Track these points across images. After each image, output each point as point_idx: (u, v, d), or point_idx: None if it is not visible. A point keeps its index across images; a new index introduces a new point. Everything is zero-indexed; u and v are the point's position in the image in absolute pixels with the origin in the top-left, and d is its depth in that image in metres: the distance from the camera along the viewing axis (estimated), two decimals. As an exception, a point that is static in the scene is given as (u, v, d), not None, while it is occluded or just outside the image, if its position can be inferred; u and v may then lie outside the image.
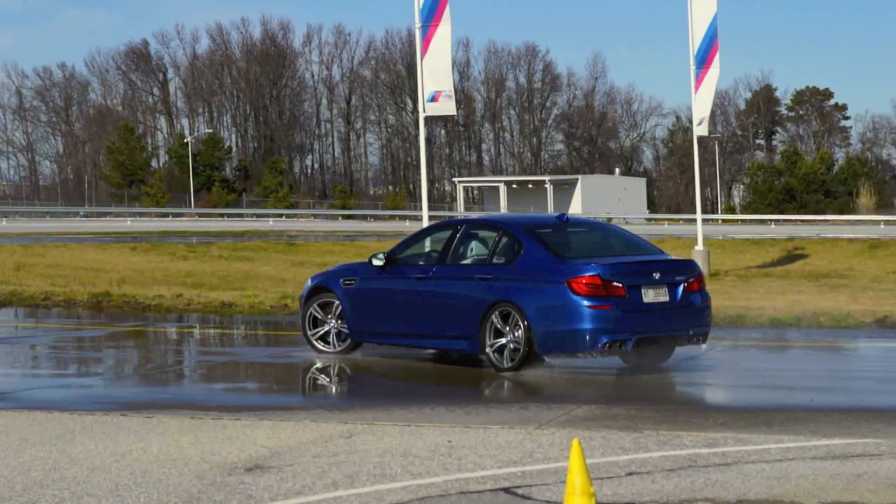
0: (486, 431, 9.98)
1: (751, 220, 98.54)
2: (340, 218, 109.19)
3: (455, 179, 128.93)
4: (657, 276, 13.68)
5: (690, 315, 13.87)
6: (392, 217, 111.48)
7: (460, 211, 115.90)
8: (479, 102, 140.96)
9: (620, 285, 13.34)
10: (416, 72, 24.35)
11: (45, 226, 77.60)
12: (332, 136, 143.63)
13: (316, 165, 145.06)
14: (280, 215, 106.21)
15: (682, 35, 28.78)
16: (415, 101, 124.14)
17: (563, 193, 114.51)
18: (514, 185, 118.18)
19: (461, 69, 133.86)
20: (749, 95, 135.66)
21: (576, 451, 6.27)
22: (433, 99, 23.76)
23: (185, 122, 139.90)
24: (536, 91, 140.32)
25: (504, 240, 14.27)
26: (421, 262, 14.90)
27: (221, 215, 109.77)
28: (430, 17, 23.46)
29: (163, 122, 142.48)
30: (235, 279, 27.08)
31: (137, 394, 13.27)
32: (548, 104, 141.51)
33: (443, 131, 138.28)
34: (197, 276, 28.17)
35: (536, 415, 10.90)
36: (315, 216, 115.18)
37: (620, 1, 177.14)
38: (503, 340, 13.71)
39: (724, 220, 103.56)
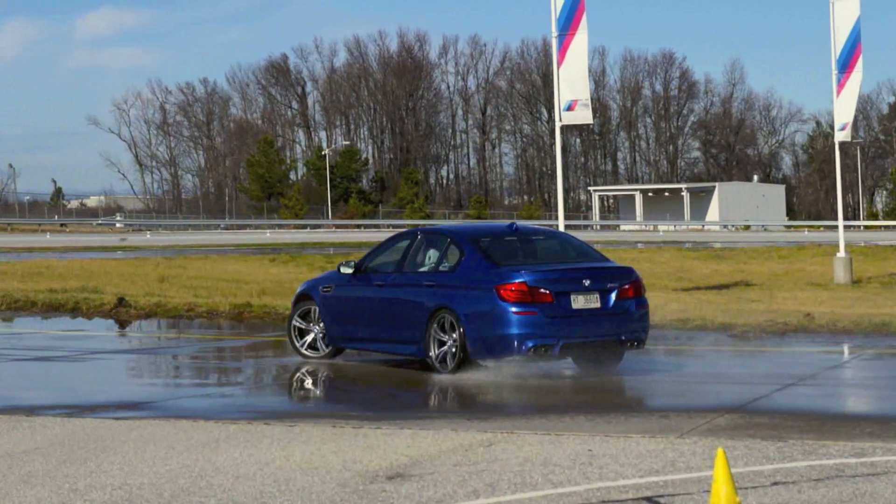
0: (626, 440, 9.89)
1: (894, 227, 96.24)
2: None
3: (590, 188, 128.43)
4: (587, 282, 14.03)
5: (623, 321, 14.18)
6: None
7: (595, 220, 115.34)
8: (614, 111, 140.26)
9: (547, 292, 13.80)
10: (551, 81, 24.26)
11: (187, 238, 79.19)
12: (468, 147, 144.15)
13: (451, 176, 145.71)
14: (417, 226, 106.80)
15: (823, 40, 28.65)
16: (550, 111, 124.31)
17: (700, 201, 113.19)
18: (650, 194, 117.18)
19: (597, 78, 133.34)
20: (892, 100, 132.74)
21: (721, 461, 6.17)
22: (569, 108, 23.69)
23: (322, 134, 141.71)
24: (673, 98, 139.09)
25: (450, 248, 14.86)
26: (382, 270, 15.54)
27: (358, 226, 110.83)
28: (567, 26, 23.40)
29: (301, 134, 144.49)
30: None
31: (279, 403, 13.46)
32: (684, 111, 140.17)
33: (578, 140, 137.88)
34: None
35: (677, 423, 10.78)
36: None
37: (759, 6, 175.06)
38: (445, 345, 14.25)
39: (866, 227, 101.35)
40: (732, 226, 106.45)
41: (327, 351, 16.10)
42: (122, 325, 22.27)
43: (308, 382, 14.78)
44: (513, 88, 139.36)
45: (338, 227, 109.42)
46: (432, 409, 12.42)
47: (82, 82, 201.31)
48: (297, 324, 16.27)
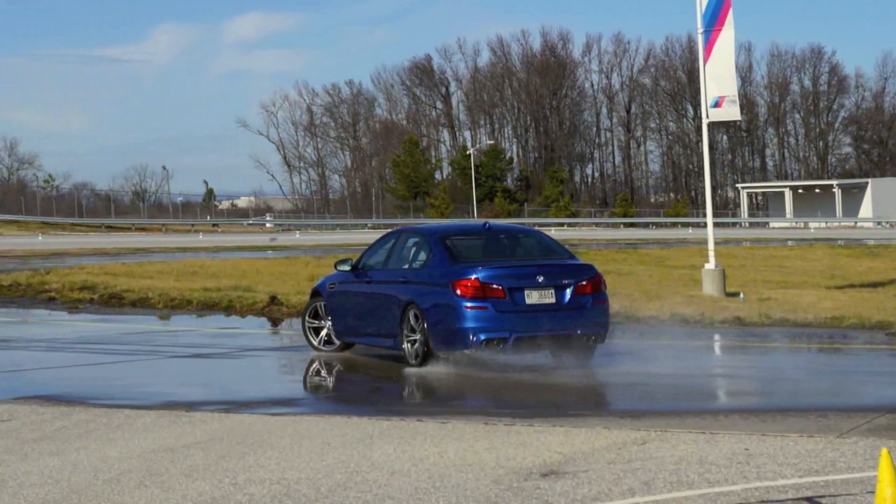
0: (784, 440, 9.72)
1: None
2: (622, 226, 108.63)
3: (738, 185, 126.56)
4: (541, 279, 14.60)
5: (579, 316, 14.71)
6: (674, 224, 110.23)
7: (744, 217, 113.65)
8: (762, 107, 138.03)
9: (500, 287, 14.44)
10: (697, 78, 23.98)
11: (335, 237, 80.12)
12: (613, 145, 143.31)
13: (596, 174, 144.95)
14: (561, 224, 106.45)
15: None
16: (696, 108, 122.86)
17: (853, 198, 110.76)
18: (800, 190, 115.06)
19: (743, 74, 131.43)
20: None
21: (886, 461, 6.04)
22: (716, 104, 23.40)
23: (467, 134, 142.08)
24: (822, 93, 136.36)
25: (422, 246, 15.64)
26: (372, 268, 16.39)
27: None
28: (713, 21, 23.11)
29: (446, 134, 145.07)
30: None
31: (430, 399, 13.53)
32: (835, 106, 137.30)
33: (725, 137, 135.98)
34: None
35: (836, 423, 10.56)
36: (596, 225, 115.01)
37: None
38: (413, 338, 15.00)
39: None
40: (887, 222, 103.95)
41: (337, 344, 16.98)
42: (275, 322, 22.62)
43: (456, 380, 14.82)
44: (657, 86, 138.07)
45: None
46: (584, 407, 12.35)
47: (231, 85, 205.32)
48: (310, 322, 17.24)
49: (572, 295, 14.73)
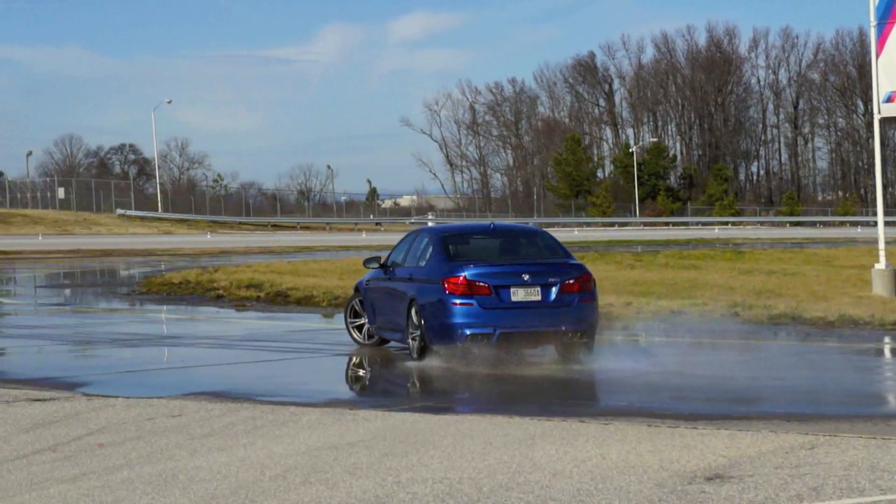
0: (959, 447, 9.40)
1: None
2: (788, 225, 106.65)
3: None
4: (526, 277, 15.27)
5: (564, 313, 15.29)
6: (842, 223, 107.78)
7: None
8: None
9: (485, 285, 15.17)
10: (868, 72, 23.36)
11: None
12: (779, 142, 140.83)
13: (762, 172, 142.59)
14: (725, 223, 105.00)
15: None
16: (867, 103, 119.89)
17: None
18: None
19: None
20: None
21: None
22: (889, 99, 22.82)
23: (629, 131, 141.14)
24: None
25: (427, 246, 16.40)
26: (394, 265, 17.17)
27: (666, 224, 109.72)
28: (887, 13, 22.53)
29: (608, 132, 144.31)
30: (683, 287, 26.94)
31: (592, 400, 13.44)
32: None
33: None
34: (644, 284, 28.25)
35: None
36: (761, 223, 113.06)
37: None
38: (415, 334, 15.78)
39: None
40: None
41: (376, 339, 17.80)
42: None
43: (619, 380, 14.69)
44: (826, 81, 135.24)
45: (645, 224, 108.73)
46: (749, 410, 12.13)
47: (395, 85, 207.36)
48: (352, 320, 18.28)
49: (558, 293, 15.36)
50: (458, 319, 15.17)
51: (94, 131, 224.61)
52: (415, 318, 15.75)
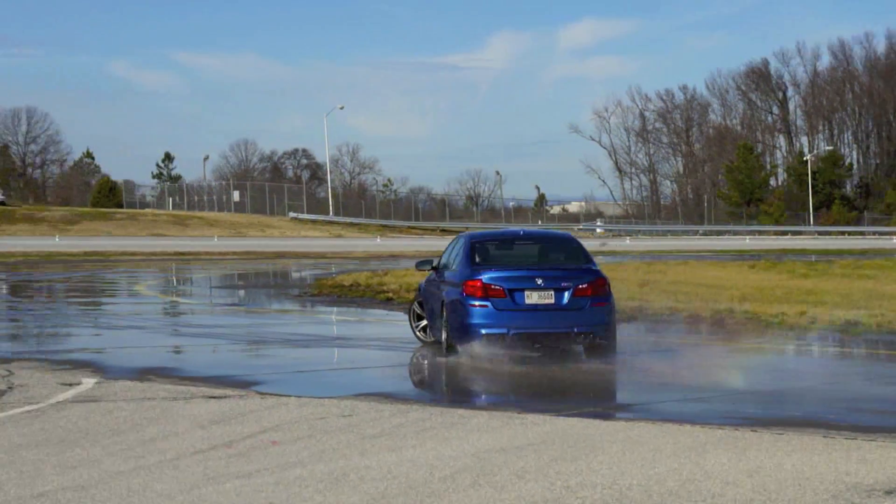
0: None
1: None
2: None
3: None
4: (540, 281, 16.22)
5: (576, 316, 16.17)
6: None
7: None
8: None
9: (500, 288, 16.15)
10: None
11: (665, 244, 79.39)
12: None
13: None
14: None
15: None
16: None
17: None
18: None
19: None
20: None
21: None
22: None
23: (803, 140, 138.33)
24: None
25: (461, 250, 17.40)
26: (442, 268, 18.14)
27: (842, 233, 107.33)
28: None
29: (781, 140, 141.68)
30: (858, 298, 26.30)
31: (764, 410, 13.18)
32: None
33: None
34: (818, 293, 27.66)
35: None
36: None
37: None
38: (444, 333, 16.93)
39: None
40: None
41: (433, 338, 18.39)
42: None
43: (792, 390, 14.40)
44: None
45: (819, 233, 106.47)
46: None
47: (564, 91, 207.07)
48: (415, 322, 19.15)
49: (571, 297, 16.25)
50: (474, 320, 16.16)
51: (269, 136, 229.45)
52: (444, 319, 16.98)
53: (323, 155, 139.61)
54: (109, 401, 12.75)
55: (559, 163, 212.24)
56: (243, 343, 20.02)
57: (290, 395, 13.21)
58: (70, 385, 13.93)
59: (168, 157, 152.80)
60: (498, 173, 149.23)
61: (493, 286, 16.20)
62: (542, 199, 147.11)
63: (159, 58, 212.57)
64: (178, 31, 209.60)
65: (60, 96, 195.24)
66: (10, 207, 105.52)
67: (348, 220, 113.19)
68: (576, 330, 16.18)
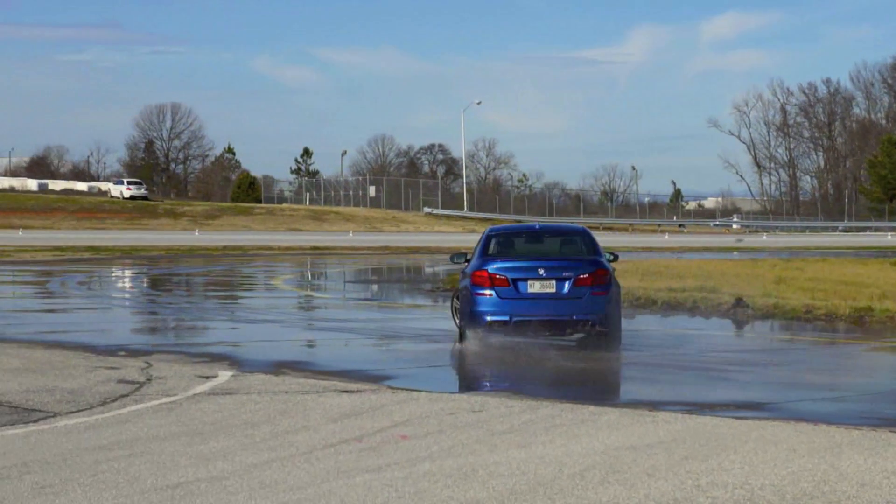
0: None
1: None
2: None
3: None
4: (542, 272, 17.23)
5: (576, 304, 17.11)
6: None
7: None
8: None
9: (504, 278, 17.26)
10: None
11: (803, 240, 78.05)
12: None
13: None
14: None
15: None
16: None
17: None
18: None
19: None
20: None
21: None
22: None
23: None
24: None
25: (479, 243, 18.60)
26: (469, 261, 18.89)
27: None
28: None
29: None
30: None
31: (903, 411, 12.89)
32: None
33: None
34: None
35: None
36: None
37: None
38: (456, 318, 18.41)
39: None
40: None
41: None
42: (739, 325, 22.29)
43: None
44: None
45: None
46: None
47: (704, 85, 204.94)
48: (454, 312, 19.57)
49: (572, 286, 17.19)
50: (480, 307, 17.33)
51: (406, 131, 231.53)
52: (459, 306, 18.42)
53: (459, 150, 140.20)
54: (244, 394, 12.96)
55: (697, 158, 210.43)
56: (375, 338, 20.18)
57: (420, 390, 13.29)
58: (206, 378, 14.20)
59: (307, 153, 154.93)
60: (634, 168, 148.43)
61: (497, 276, 17.32)
62: (677, 194, 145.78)
63: (301, 54, 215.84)
64: (320, 26, 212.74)
65: (204, 92, 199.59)
66: (152, 202, 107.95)
67: (482, 215, 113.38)
68: (575, 317, 17.11)
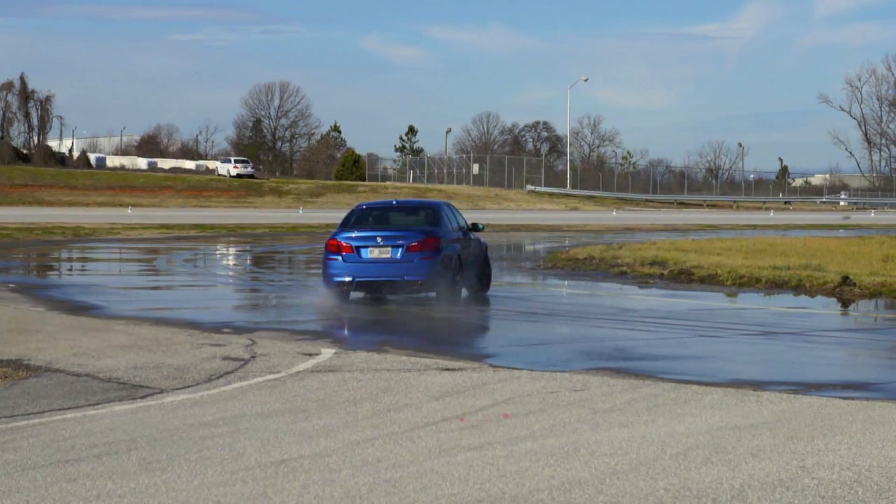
0: None
1: None
2: None
3: None
4: (380, 240, 20.63)
5: (406, 267, 20.47)
6: None
7: None
8: None
9: (349, 245, 20.62)
10: None
11: (913, 217, 76.30)
12: None
13: None
14: None
15: None
16: None
17: None
18: None
19: None
20: None
21: None
22: None
23: None
24: None
25: (345, 215, 21.98)
26: None
27: None
28: None
29: None
30: None
31: None
32: None
33: None
34: None
35: None
36: None
37: None
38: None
39: None
40: None
41: None
42: (845, 304, 21.95)
43: None
44: None
45: None
46: None
47: (816, 60, 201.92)
48: None
49: (404, 252, 20.49)
50: (329, 270, 20.84)
51: (511, 108, 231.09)
52: None
53: (563, 127, 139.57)
54: (346, 371, 13.05)
55: (806, 134, 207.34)
56: (476, 316, 20.20)
57: (522, 369, 13.28)
58: (310, 355, 14.32)
59: (412, 131, 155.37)
60: (740, 145, 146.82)
61: (343, 244, 20.67)
62: (784, 171, 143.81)
63: (410, 32, 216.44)
64: (430, 4, 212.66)
65: (313, 71, 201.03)
66: (258, 180, 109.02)
67: (585, 192, 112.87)
68: (406, 278, 20.48)
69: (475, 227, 23.11)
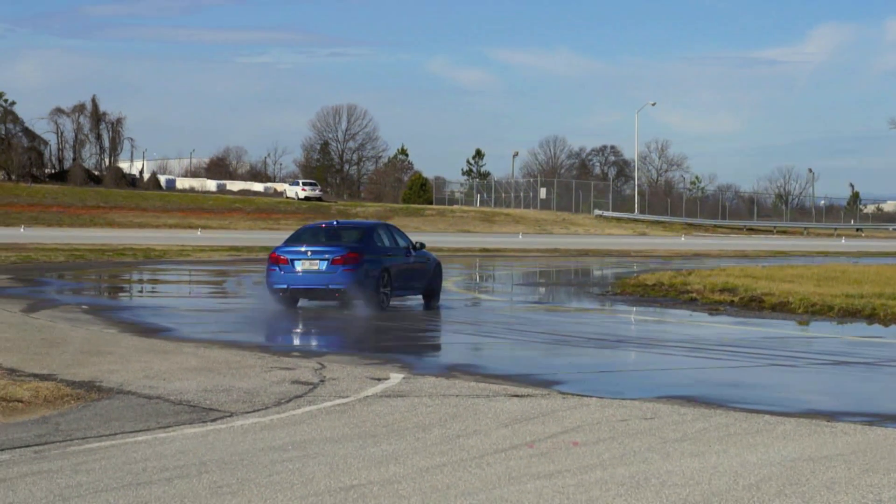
0: None
1: None
2: None
3: None
4: (309, 254, 24.32)
5: (330, 277, 24.14)
6: None
7: None
8: None
9: (286, 258, 24.39)
10: None
11: None
12: None
13: None
14: None
15: None
16: None
17: None
18: None
19: None
20: None
21: None
22: None
23: None
24: None
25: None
26: None
27: None
28: None
29: None
30: None
31: None
32: None
33: None
34: None
35: None
36: None
37: None
38: None
39: None
40: None
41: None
42: (921, 333, 21.61)
43: None
44: None
45: None
46: None
47: (886, 85, 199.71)
48: None
49: (329, 265, 24.19)
50: (269, 279, 24.81)
51: (578, 132, 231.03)
52: None
53: (631, 151, 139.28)
54: (415, 396, 13.04)
55: (878, 160, 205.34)
56: (544, 342, 20.13)
57: (591, 396, 13.19)
58: (378, 380, 14.33)
59: (478, 154, 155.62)
60: (811, 171, 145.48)
61: (281, 257, 24.52)
62: (855, 197, 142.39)
63: (477, 55, 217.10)
64: (497, 28, 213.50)
65: (380, 94, 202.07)
66: (326, 203, 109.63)
67: (653, 217, 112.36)
68: (330, 286, 24.15)
69: (419, 247, 26.64)
